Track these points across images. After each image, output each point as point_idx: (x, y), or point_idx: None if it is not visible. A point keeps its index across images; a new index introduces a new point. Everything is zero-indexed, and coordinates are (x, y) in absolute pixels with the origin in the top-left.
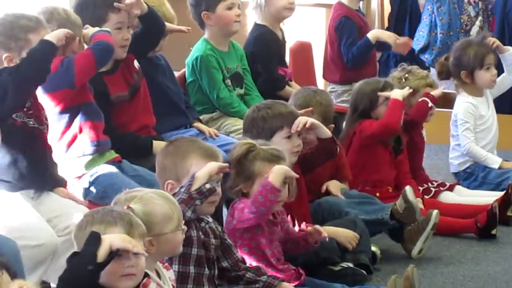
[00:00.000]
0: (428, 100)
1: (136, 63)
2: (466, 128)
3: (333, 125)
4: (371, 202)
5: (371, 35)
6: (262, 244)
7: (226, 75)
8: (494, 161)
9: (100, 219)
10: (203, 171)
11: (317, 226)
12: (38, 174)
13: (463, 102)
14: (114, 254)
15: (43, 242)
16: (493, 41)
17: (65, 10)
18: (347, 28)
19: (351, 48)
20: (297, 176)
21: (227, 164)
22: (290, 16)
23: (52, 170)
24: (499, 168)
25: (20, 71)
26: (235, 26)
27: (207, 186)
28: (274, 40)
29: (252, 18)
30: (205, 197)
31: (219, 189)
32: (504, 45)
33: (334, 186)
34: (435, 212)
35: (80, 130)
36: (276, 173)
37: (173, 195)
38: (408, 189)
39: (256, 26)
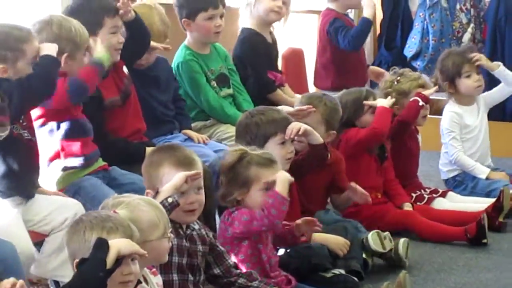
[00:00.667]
0: (419, 99)
1: (125, 69)
2: (452, 137)
3: (334, 132)
4: (342, 235)
5: (366, 13)
6: (259, 249)
7: (210, 77)
8: (481, 171)
9: (101, 225)
10: (168, 184)
11: (309, 218)
12: (30, 184)
13: (448, 111)
14: (121, 260)
15: (19, 251)
16: (476, 57)
17: (60, 25)
18: (339, 24)
19: (347, 34)
20: (293, 179)
21: (196, 172)
22: (276, 20)
23: (38, 176)
24: (487, 178)
25: (30, 86)
26: (214, 37)
27: (169, 200)
28: (261, 42)
29: (243, 21)
30: (168, 211)
31: (199, 197)
32: (496, 51)
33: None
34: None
35: (63, 147)
36: (283, 183)
37: None
38: (402, 242)
39: (243, 29)
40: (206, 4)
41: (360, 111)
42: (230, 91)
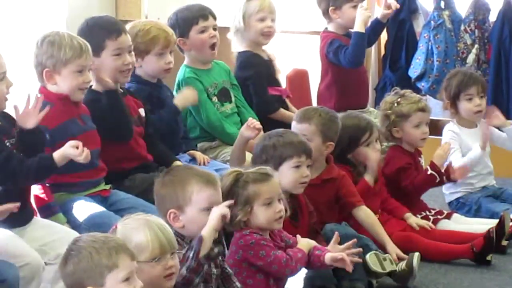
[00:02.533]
0: (437, 176)
1: (142, 111)
2: (454, 151)
3: (332, 143)
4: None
5: (356, 27)
6: (270, 284)
7: (212, 92)
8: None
9: (105, 247)
10: (208, 230)
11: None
12: (20, 214)
13: (447, 130)
14: None
15: (28, 261)
16: (489, 123)
17: (44, 39)
18: (337, 44)
19: (346, 51)
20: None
21: (230, 202)
22: (267, 43)
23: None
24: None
25: (21, 179)
26: (210, 51)
27: (215, 250)
28: (259, 63)
29: (234, 46)
30: (213, 261)
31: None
32: (500, 72)
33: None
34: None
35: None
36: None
37: (181, 262)
38: (416, 255)
39: (239, 53)
40: (195, 18)
41: (355, 145)
42: (232, 105)
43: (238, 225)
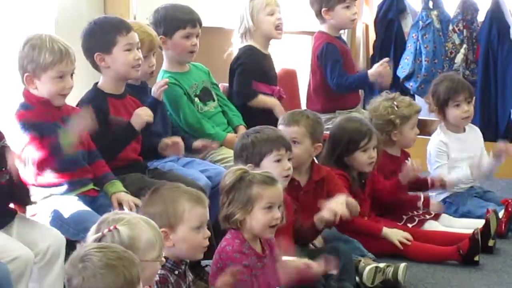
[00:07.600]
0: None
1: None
2: (438, 166)
3: (320, 144)
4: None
5: (370, 72)
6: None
7: (193, 93)
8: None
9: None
10: None
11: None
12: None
13: (434, 142)
14: None
15: (18, 254)
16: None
17: (26, 43)
18: (330, 53)
19: (340, 72)
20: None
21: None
22: (280, 37)
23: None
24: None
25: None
26: (188, 56)
27: None
28: (255, 55)
29: (236, 46)
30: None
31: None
32: (488, 72)
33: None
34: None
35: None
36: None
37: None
38: (402, 267)
39: (240, 48)
40: (184, 23)
41: (354, 148)
42: (216, 104)
43: (235, 223)
